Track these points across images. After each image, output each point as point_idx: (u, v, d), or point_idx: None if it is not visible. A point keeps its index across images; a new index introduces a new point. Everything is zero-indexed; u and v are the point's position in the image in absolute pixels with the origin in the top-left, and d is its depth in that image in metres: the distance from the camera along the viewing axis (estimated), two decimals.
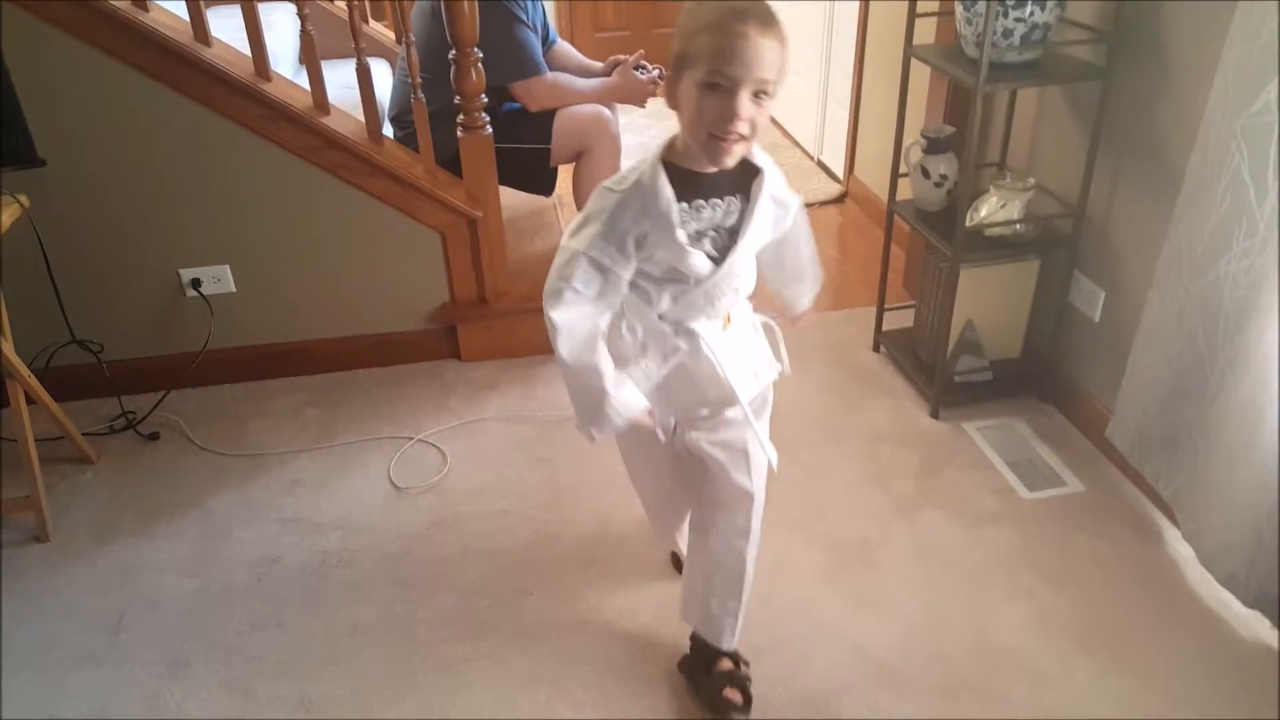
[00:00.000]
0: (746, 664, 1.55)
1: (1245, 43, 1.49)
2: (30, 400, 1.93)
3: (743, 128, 1.13)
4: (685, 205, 1.22)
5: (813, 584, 1.78)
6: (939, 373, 2.19)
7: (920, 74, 2.17)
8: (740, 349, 1.38)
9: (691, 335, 1.32)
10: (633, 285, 1.28)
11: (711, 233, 1.26)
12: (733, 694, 1.49)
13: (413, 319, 2.43)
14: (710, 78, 1.11)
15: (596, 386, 1.28)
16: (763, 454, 1.42)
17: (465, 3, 2.02)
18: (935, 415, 2.21)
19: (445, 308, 2.41)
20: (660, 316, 1.31)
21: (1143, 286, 1.85)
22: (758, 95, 1.12)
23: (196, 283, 2.26)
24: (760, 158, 1.27)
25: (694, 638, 1.58)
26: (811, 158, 3.62)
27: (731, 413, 1.39)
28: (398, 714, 1.54)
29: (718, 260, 1.26)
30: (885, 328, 2.45)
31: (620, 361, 1.33)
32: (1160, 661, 1.59)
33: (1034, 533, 1.88)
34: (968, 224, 2.04)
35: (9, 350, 1.86)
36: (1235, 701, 1.52)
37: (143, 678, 1.62)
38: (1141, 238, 1.90)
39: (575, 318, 1.25)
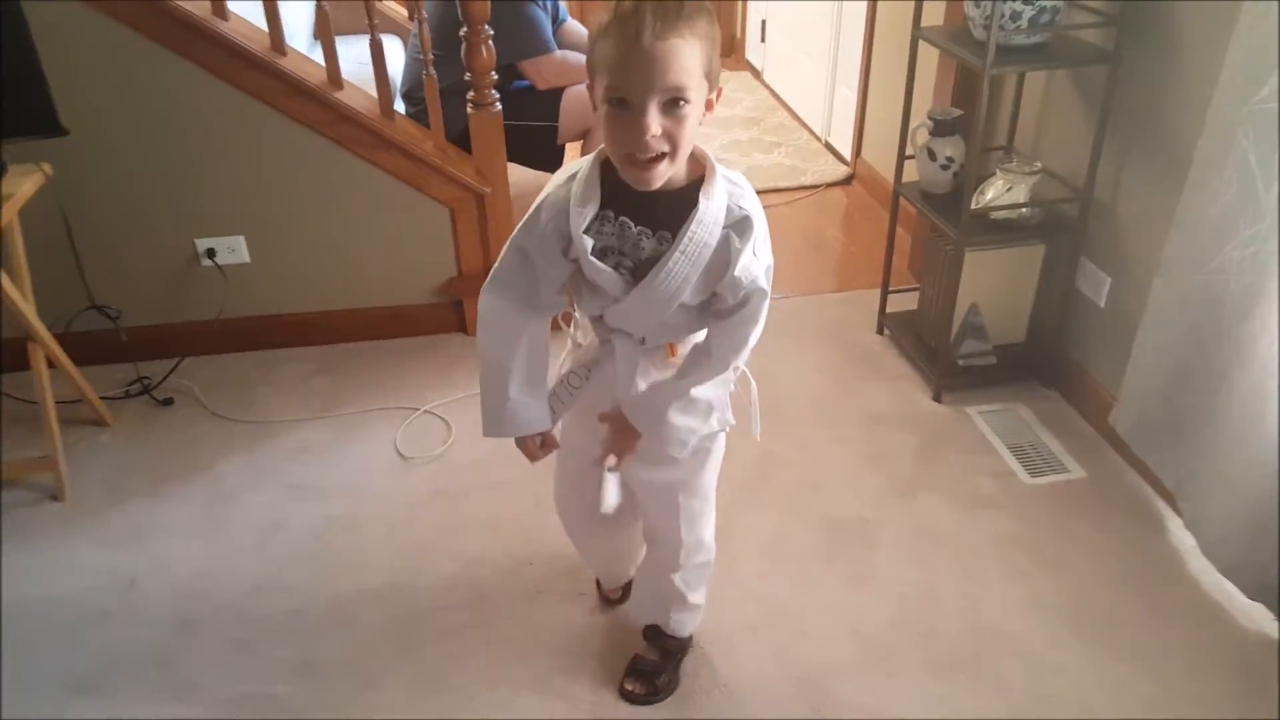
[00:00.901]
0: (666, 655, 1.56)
1: (1253, 28, 1.48)
2: (50, 364, 1.98)
3: (659, 145, 0.99)
4: (608, 213, 1.09)
5: (809, 562, 1.80)
6: (942, 356, 2.20)
7: (928, 56, 2.17)
8: (657, 380, 1.23)
9: (610, 346, 1.20)
10: (582, 289, 1.18)
11: (622, 256, 1.11)
12: (632, 685, 1.53)
13: (420, 292, 2.46)
14: (612, 92, 0.98)
15: (499, 385, 1.22)
16: (696, 500, 1.35)
17: None
18: (938, 398, 2.22)
19: (452, 282, 2.44)
20: (597, 318, 1.20)
21: (1148, 272, 1.85)
22: (674, 104, 0.97)
23: (211, 252, 2.30)
24: (743, 197, 1.10)
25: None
26: (819, 139, 3.62)
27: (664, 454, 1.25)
28: (399, 678, 1.58)
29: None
30: (889, 310, 2.45)
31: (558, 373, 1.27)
32: (1158, 649, 1.60)
33: (1033, 518, 1.89)
34: (973, 207, 2.04)
35: (31, 314, 1.91)
36: (1234, 692, 1.53)
37: (152, 636, 1.67)
38: (1148, 223, 1.90)
39: (497, 309, 1.18)
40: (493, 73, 2.18)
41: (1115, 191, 1.98)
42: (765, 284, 1.13)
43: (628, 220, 1.09)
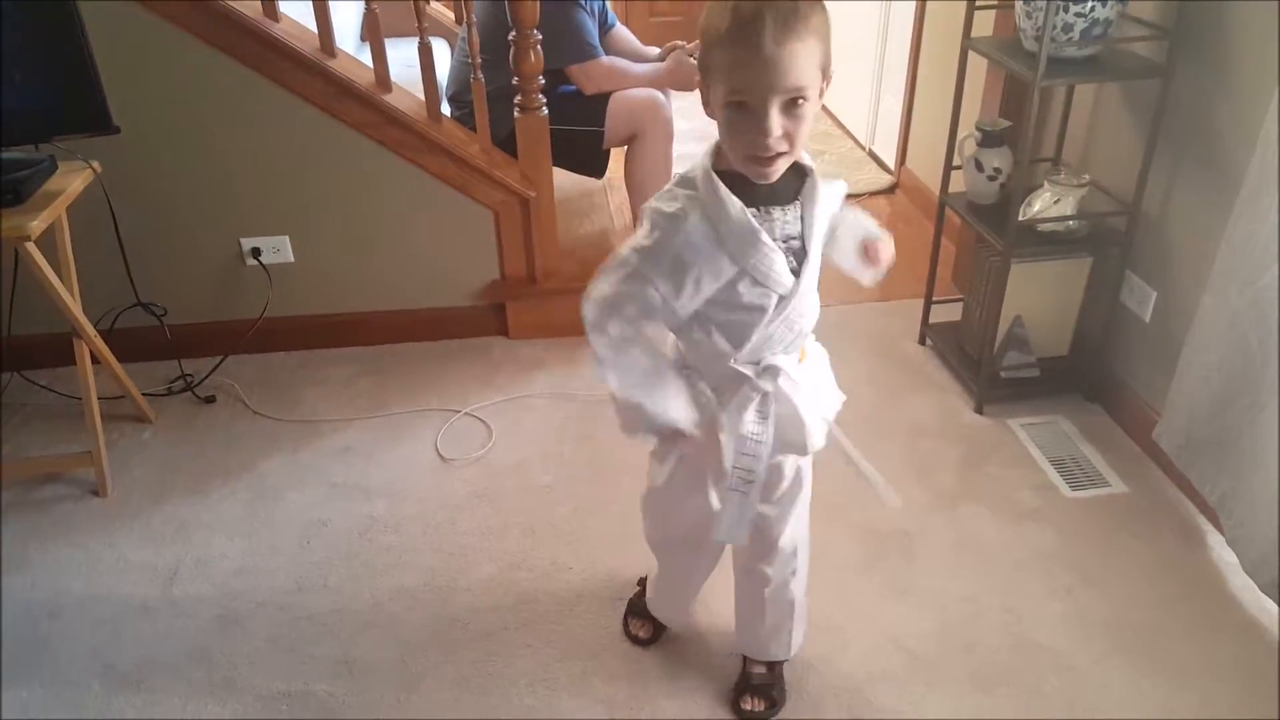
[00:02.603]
0: (773, 668, 1.55)
1: None
2: (95, 360, 2.00)
3: (779, 145, 1.02)
4: (755, 211, 1.11)
5: (850, 573, 1.79)
6: (985, 368, 2.18)
7: (976, 66, 2.15)
8: (813, 387, 1.26)
9: (774, 373, 1.18)
10: (697, 334, 1.18)
11: (781, 244, 1.13)
12: (750, 703, 1.52)
13: (463, 295, 2.47)
14: (733, 96, 1.00)
15: (637, 390, 1.20)
16: (804, 498, 1.38)
17: None
18: (979, 410, 2.20)
19: (495, 285, 2.45)
20: (740, 362, 1.18)
21: (1195, 288, 1.82)
22: (794, 104, 1.00)
23: (257, 252, 2.33)
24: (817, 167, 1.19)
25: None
26: (863, 148, 3.60)
27: (789, 465, 1.32)
28: (438, 678, 1.59)
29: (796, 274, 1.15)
30: (932, 321, 2.44)
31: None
32: (1198, 666, 1.58)
33: (1075, 532, 1.87)
34: (1020, 219, 2.03)
35: (77, 310, 1.94)
36: (1270, 710, 1.51)
37: (192, 631, 1.69)
38: (1196, 239, 1.87)
39: (626, 361, 1.18)
40: (540, 77, 2.19)
41: (1164, 206, 1.96)
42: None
43: (768, 209, 1.12)
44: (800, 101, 1.01)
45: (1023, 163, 1.95)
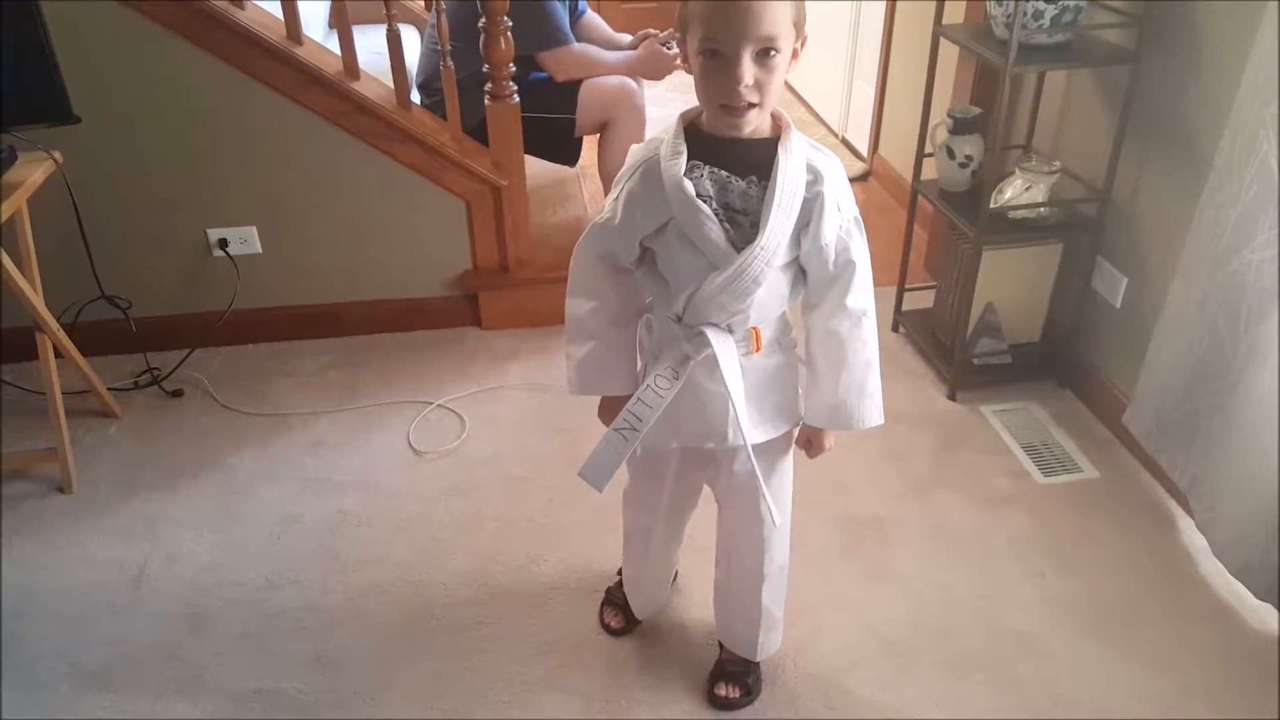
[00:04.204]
0: (750, 662, 1.54)
1: (1276, 32, 1.47)
2: (58, 354, 1.96)
3: (749, 95, 1.04)
4: (697, 163, 1.11)
5: (826, 559, 1.79)
6: (958, 354, 2.19)
7: (948, 53, 2.16)
8: (757, 383, 1.25)
9: (702, 341, 1.18)
10: (647, 277, 1.22)
11: (722, 209, 1.12)
12: (724, 690, 1.52)
13: (436, 285, 2.44)
14: (707, 44, 1.03)
15: (583, 336, 1.30)
16: (777, 497, 1.35)
17: None
18: (953, 397, 2.21)
19: (468, 275, 2.43)
20: (678, 319, 1.20)
21: (1165, 273, 1.84)
22: (765, 54, 1.02)
23: (224, 243, 2.29)
24: (818, 156, 1.15)
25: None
26: (836, 135, 3.60)
27: (741, 463, 1.31)
28: (412, 674, 1.58)
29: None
30: (905, 308, 2.44)
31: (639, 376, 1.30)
32: (1170, 650, 1.60)
33: (1048, 517, 1.88)
34: (992, 206, 2.03)
35: (39, 304, 1.89)
36: (1242, 693, 1.53)
37: (162, 629, 1.66)
38: (1166, 224, 1.89)
39: (587, 260, 1.25)
40: (511, 64, 2.16)
41: (1134, 192, 1.97)
42: (859, 229, 1.19)
43: (716, 168, 1.12)
44: (772, 52, 1.03)
45: (994, 150, 1.95)
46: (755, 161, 1.12)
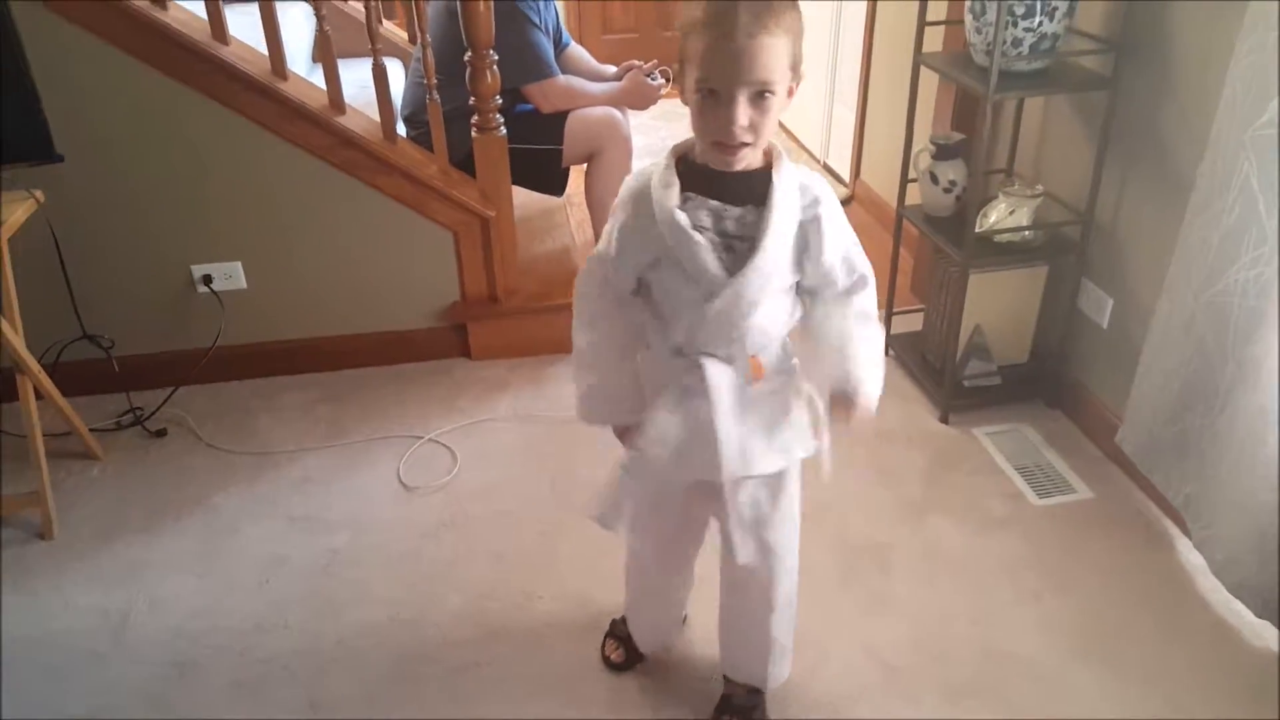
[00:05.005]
0: (757, 692, 1.53)
1: (1252, 54, 1.49)
2: (38, 395, 1.92)
3: (743, 135, 1.06)
4: (696, 198, 1.13)
5: (825, 586, 1.78)
6: (948, 377, 2.19)
7: (927, 79, 2.18)
8: (762, 412, 1.24)
9: (699, 371, 1.18)
10: (652, 310, 1.23)
11: (717, 237, 1.14)
12: None
13: (424, 317, 2.43)
14: (704, 83, 1.05)
15: (591, 366, 1.29)
16: (782, 527, 1.35)
17: (481, 5, 2.02)
18: (944, 419, 2.21)
19: (456, 306, 2.41)
20: (677, 351, 1.21)
21: (1150, 293, 1.86)
22: (760, 96, 1.04)
23: (208, 279, 2.26)
24: (810, 181, 1.16)
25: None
26: (818, 160, 3.63)
27: (745, 492, 1.29)
28: (407, 717, 1.54)
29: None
30: (893, 331, 2.45)
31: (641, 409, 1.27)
32: (1169, 670, 1.60)
33: (1043, 539, 1.88)
34: (977, 230, 2.05)
35: (19, 344, 1.86)
36: (1243, 711, 1.52)
37: (147, 678, 1.61)
38: (1150, 245, 1.91)
39: (591, 286, 1.26)
40: (497, 97, 2.16)
41: (1116, 214, 2.00)
42: (860, 255, 1.21)
43: (710, 198, 1.14)
44: (767, 95, 1.05)
45: (978, 175, 1.97)
46: (749, 191, 1.13)
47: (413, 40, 2.60)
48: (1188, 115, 1.76)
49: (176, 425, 2.23)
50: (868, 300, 1.25)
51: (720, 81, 1.04)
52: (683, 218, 1.12)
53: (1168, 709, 1.53)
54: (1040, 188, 2.07)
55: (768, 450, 1.25)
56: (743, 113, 1.04)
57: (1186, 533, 1.81)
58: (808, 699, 1.56)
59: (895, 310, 2.45)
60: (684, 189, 1.14)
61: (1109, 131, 1.93)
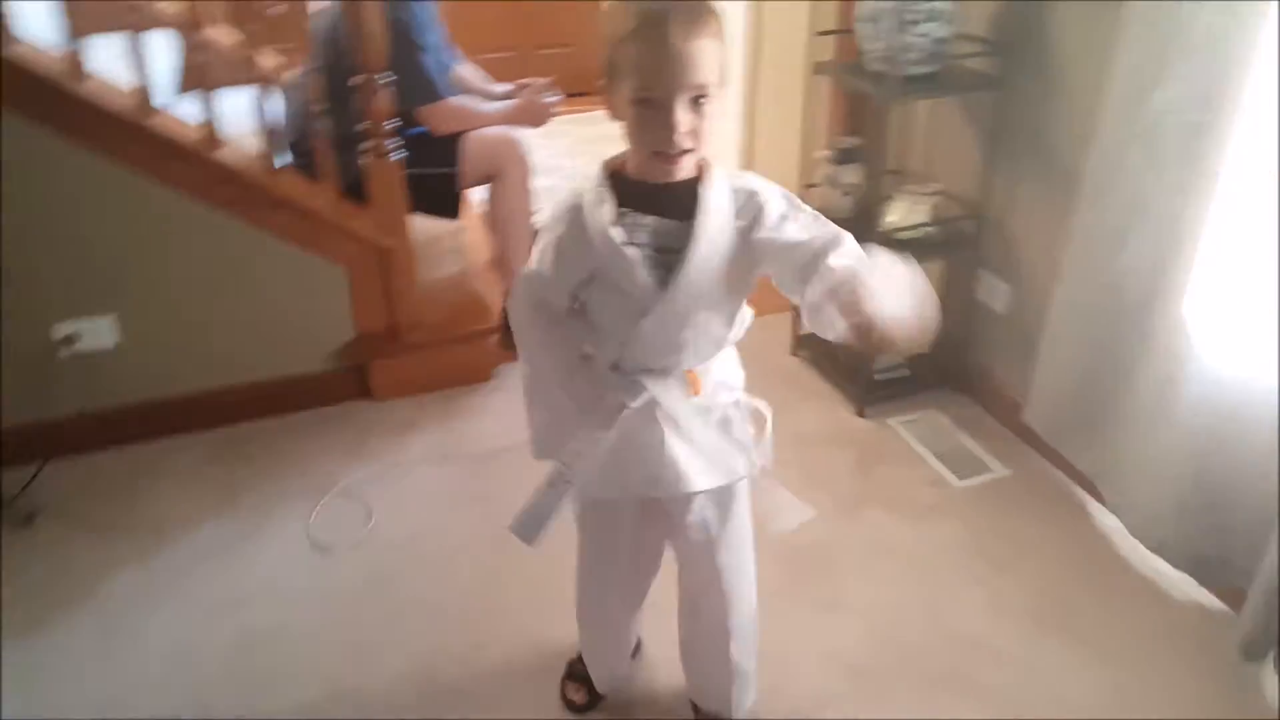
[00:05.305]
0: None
1: (1134, 47, 1.60)
2: None
3: (685, 141, 1.05)
4: (624, 210, 1.12)
5: (776, 595, 1.74)
6: (861, 373, 2.24)
7: (813, 87, 2.23)
8: (702, 427, 1.21)
9: (637, 388, 1.16)
10: (588, 327, 1.20)
11: (654, 253, 1.12)
12: None
13: (318, 360, 2.27)
14: (641, 92, 1.03)
15: (546, 396, 1.25)
16: (735, 548, 1.33)
17: (374, 27, 1.91)
18: (861, 414, 2.26)
19: (353, 344, 2.27)
20: (614, 367, 1.19)
21: (1045, 278, 1.96)
22: (697, 101, 1.03)
23: (72, 338, 2.02)
24: (745, 184, 1.15)
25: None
26: None
27: (695, 512, 1.28)
28: None
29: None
30: (803, 332, 2.48)
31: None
32: (1109, 630, 1.68)
33: (972, 520, 1.94)
34: (879, 229, 2.10)
35: None
36: (1179, 656, 1.62)
37: None
38: (1041, 233, 2.01)
39: (527, 309, 1.23)
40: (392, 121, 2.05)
41: (1008, 206, 2.10)
42: (824, 220, 1.16)
43: (645, 213, 1.12)
44: (704, 99, 1.04)
45: (880, 177, 2.02)
46: (684, 203, 1.12)
47: (289, 66, 2.42)
48: (1072, 109, 1.87)
49: (48, 508, 1.97)
50: (850, 249, 1.12)
51: (658, 88, 1.02)
52: (617, 234, 1.11)
53: (1116, 666, 1.60)
54: (936, 186, 2.15)
55: (708, 467, 1.22)
56: (683, 119, 1.03)
57: (1100, 499, 1.91)
58: (781, 711, 1.53)
59: None
60: (619, 204, 1.12)
61: (998, 128, 2.03)
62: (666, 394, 1.18)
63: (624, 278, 1.12)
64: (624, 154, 1.14)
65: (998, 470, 2.09)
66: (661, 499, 1.27)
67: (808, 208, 1.17)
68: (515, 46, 4.28)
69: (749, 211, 1.14)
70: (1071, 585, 1.78)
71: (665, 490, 1.21)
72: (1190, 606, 1.73)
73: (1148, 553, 1.78)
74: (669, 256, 1.12)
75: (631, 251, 1.11)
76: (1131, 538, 1.81)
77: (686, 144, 1.05)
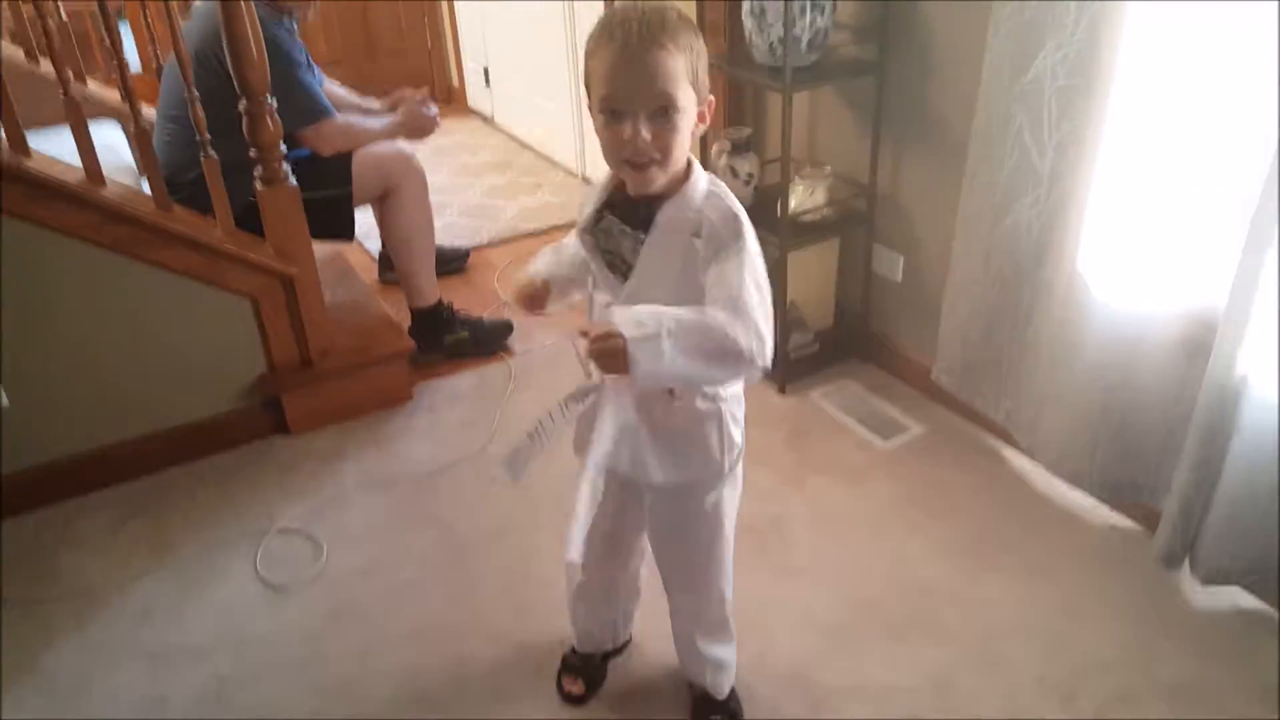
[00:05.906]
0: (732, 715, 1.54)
1: (1010, 19, 1.74)
2: None
3: (649, 151, 1.05)
4: (604, 213, 1.17)
5: (745, 570, 1.81)
6: (778, 352, 2.34)
7: None
8: (660, 425, 1.22)
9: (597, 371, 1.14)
10: (592, 296, 1.27)
11: (619, 260, 1.16)
12: None
13: (228, 398, 2.16)
14: (606, 103, 1.05)
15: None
16: (704, 544, 1.36)
17: (253, 49, 1.84)
18: (783, 391, 2.37)
19: (264, 379, 2.17)
20: None
21: (936, 245, 2.12)
22: (663, 112, 1.04)
23: None
24: (723, 201, 1.13)
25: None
26: (576, 175, 3.69)
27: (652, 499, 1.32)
28: None
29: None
30: None
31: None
32: (1045, 561, 1.82)
33: (904, 476, 2.08)
34: (781, 214, 2.21)
35: None
36: (1110, 576, 1.78)
37: None
38: (930, 204, 2.18)
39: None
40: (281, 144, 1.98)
41: (896, 181, 2.26)
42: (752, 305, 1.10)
43: (616, 220, 1.17)
44: (670, 112, 1.04)
45: (788, 163, 2.13)
46: (646, 216, 1.13)
47: (124, 97, 2.27)
48: (948, 86, 2.03)
49: None
50: (730, 326, 1.07)
51: (620, 99, 1.04)
52: (587, 239, 1.19)
53: (1062, 590, 1.75)
54: (829, 168, 2.29)
55: (661, 464, 1.25)
56: (644, 129, 1.04)
57: (1014, 444, 2.09)
58: (771, 678, 1.60)
59: None
60: (606, 205, 1.18)
61: (881, 109, 2.18)
62: (622, 388, 1.16)
63: (598, 274, 1.19)
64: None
65: (915, 429, 2.24)
66: (638, 481, 1.28)
67: (748, 259, 1.11)
68: (345, 58, 4.15)
69: (708, 233, 1.11)
70: (1001, 523, 1.93)
71: (629, 470, 1.24)
72: (1108, 529, 1.91)
73: (1065, 486, 1.97)
74: (624, 266, 1.16)
75: (597, 255, 1.18)
76: (1048, 474, 1.99)
77: (651, 154, 1.05)
